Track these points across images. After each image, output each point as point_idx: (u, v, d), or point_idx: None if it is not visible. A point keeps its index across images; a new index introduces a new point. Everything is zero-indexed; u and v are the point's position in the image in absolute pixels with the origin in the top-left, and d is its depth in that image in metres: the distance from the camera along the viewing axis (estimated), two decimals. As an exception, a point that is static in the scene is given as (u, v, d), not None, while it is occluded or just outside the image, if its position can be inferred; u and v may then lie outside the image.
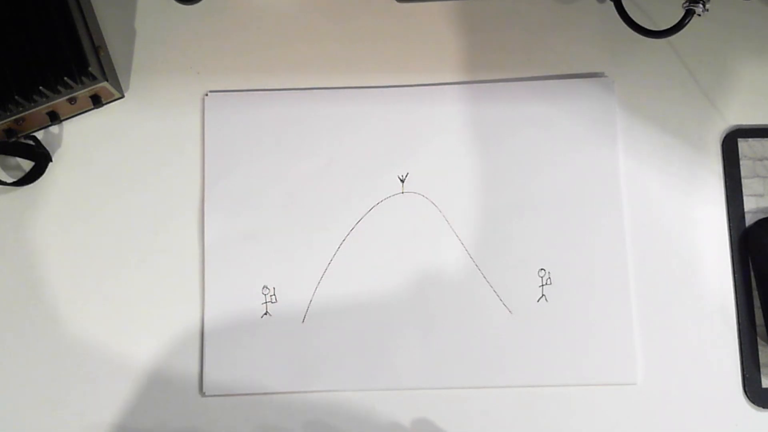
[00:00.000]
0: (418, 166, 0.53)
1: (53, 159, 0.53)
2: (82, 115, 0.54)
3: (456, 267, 0.52)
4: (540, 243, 0.52)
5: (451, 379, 0.51)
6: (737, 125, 0.54)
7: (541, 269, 0.52)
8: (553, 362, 0.51)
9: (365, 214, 0.53)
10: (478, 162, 0.53)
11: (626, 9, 0.52)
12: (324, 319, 0.51)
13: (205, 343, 0.51)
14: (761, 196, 0.53)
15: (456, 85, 0.54)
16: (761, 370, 0.51)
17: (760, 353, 0.51)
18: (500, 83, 0.54)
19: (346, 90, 0.54)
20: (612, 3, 0.53)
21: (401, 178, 0.53)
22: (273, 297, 0.52)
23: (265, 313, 0.52)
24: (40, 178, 0.53)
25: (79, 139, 0.54)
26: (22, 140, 0.53)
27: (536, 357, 0.51)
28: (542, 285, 0.52)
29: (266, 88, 0.54)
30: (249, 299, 0.52)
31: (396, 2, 0.55)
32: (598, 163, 0.53)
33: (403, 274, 0.52)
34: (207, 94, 0.54)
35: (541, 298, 0.52)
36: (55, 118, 0.52)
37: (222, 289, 0.52)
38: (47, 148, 0.53)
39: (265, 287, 0.52)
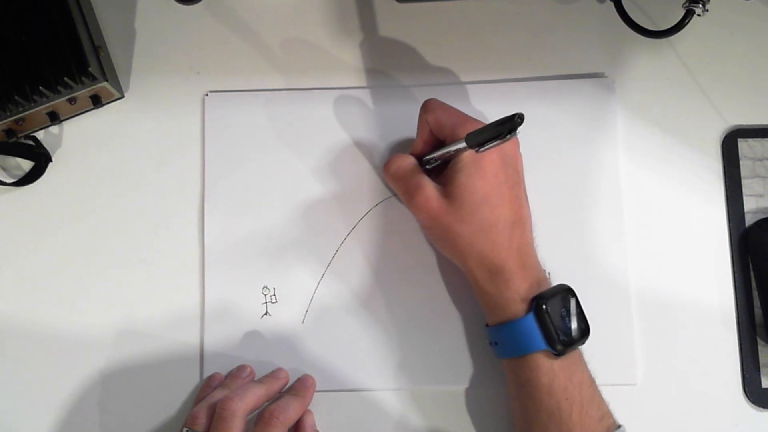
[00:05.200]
0: (419, 166, 0.53)
1: (53, 159, 0.53)
2: (82, 115, 0.54)
3: (456, 268, 0.52)
4: (540, 243, 0.52)
5: (451, 379, 0.51)
6: (737, 125, 0.54)
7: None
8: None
9: (365, 214, 0.53)
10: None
11: (626, 9, 0.52)
12: (324, 319, 0.51)
13: (205, 342, 0.51)
14: (761, 196, 0.53)
15: (456, 86, 0.54)
16: (761, 370, 0.51)
17: (760, 353, 0.51)
18: (501, 83, 0.54)
19: (346, 90, 0.54)
20: (612, 3, 0.53)
21: (402, 178, 0.53)
22: (273, 297, 0.52)
23: (265, 314, 0.52)
24: (40, 178, 0.53)
25: (79, 139, 0.54)
26: (22, 140, 0.53)
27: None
28: (542, 285, 0.52)
29: (266, 88, 0.54)
30: (249, 299, 0.52)
31: (396, 2, 0.55)
32: (598, 164, 0.53)
33: (403, 274, 0.52)
34: (207, 95, 0.54)
35: (541, 298, 0.51)
36: (55, 118, 0.52)
37: (222, 289, 0.52)
38: (47, 148, 0.53)
39: (265, 287, 0.52)
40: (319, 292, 0.52)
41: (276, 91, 0.54)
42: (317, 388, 0.50)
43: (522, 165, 0.48)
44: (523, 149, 0.48)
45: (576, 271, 0.52)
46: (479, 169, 0.45)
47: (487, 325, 0.48)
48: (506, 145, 0.44)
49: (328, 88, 0.54)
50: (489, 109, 0.54)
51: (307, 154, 0.53)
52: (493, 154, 0.45)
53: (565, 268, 0.52)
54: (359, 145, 0.53)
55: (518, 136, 0.42)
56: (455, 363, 0.51)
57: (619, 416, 0.45)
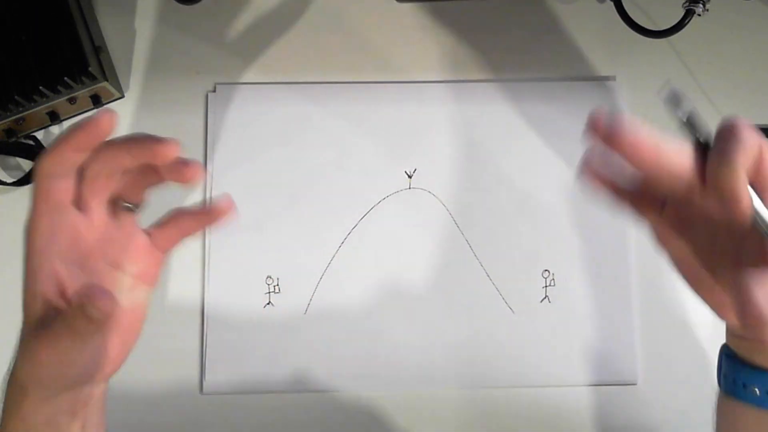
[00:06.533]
0: (426, 162, 0.53)
1: (53, 159, 0.53)
2: (82, 115, 0.54)
3: (460, 265, 0.52)
4: (545, 244, 0.52)
5: (451, 378, 0.51)
6: (737, 125, 0.54)
7: (546, 270, 0.52)
8: (553, 362, 0.51)
9: (371, 209, 0.53)
10: (485, 161, 0.53)
11: (626, 9, 0.52)
12: (326, 311, 0.51)
13: (207, 331, 0.51)
14: (761, 195, 0.53)
15: (456, 84, 0.54)
16: (761, 369, 0.51)
17: (759, 353, 0.51)
18: (501, 83, 0.54)
19: (355, 85, 0.54)
20: (612, 3, 0.53)
21: (408, 173, 0.53)
22: (276, 287, 0.52)
23: (268, 303, 0.51)
24: (40, 179, 0.53)
25: (79, 139, 0.54)
26: (22, 140, 0.53)
27: (537, 357, 0.51)
28: (546, 286, 0.52)
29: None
30: (252, 289, 0.51)
31: (396, 2, 0.55)
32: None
33: (407, 270, 0.52)
34: (214, 89, 0.54)
35: (544, 299, 0.51)
36: (55, 118, 0.52)
37: (225, 278, 0.51)
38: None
39: (269, 277, 0.52)
40: (323, 283, 0.52)
41: (280, 84, 0.54)
42: (317, 388, 0.50)
43: None
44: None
45: (579, 272, 0.52)
46: None
47: (742, 364, 0.36)
48: None
49: (338, 83, 0.54)
50: (496, 109, 0.54)
51: (312, 148, 0.53)
52: None
53: (569, 269, 0.52)
54: (367, 139, 0.53)
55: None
56: (456, 361, 0.51)
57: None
